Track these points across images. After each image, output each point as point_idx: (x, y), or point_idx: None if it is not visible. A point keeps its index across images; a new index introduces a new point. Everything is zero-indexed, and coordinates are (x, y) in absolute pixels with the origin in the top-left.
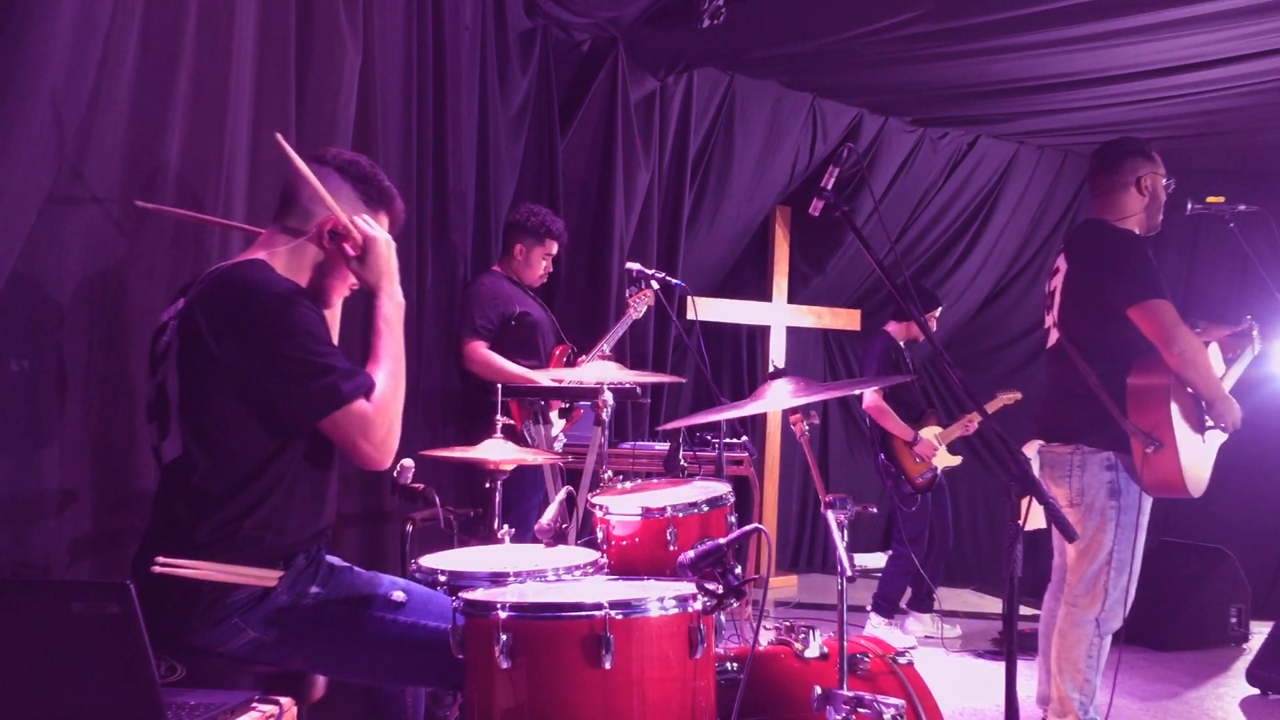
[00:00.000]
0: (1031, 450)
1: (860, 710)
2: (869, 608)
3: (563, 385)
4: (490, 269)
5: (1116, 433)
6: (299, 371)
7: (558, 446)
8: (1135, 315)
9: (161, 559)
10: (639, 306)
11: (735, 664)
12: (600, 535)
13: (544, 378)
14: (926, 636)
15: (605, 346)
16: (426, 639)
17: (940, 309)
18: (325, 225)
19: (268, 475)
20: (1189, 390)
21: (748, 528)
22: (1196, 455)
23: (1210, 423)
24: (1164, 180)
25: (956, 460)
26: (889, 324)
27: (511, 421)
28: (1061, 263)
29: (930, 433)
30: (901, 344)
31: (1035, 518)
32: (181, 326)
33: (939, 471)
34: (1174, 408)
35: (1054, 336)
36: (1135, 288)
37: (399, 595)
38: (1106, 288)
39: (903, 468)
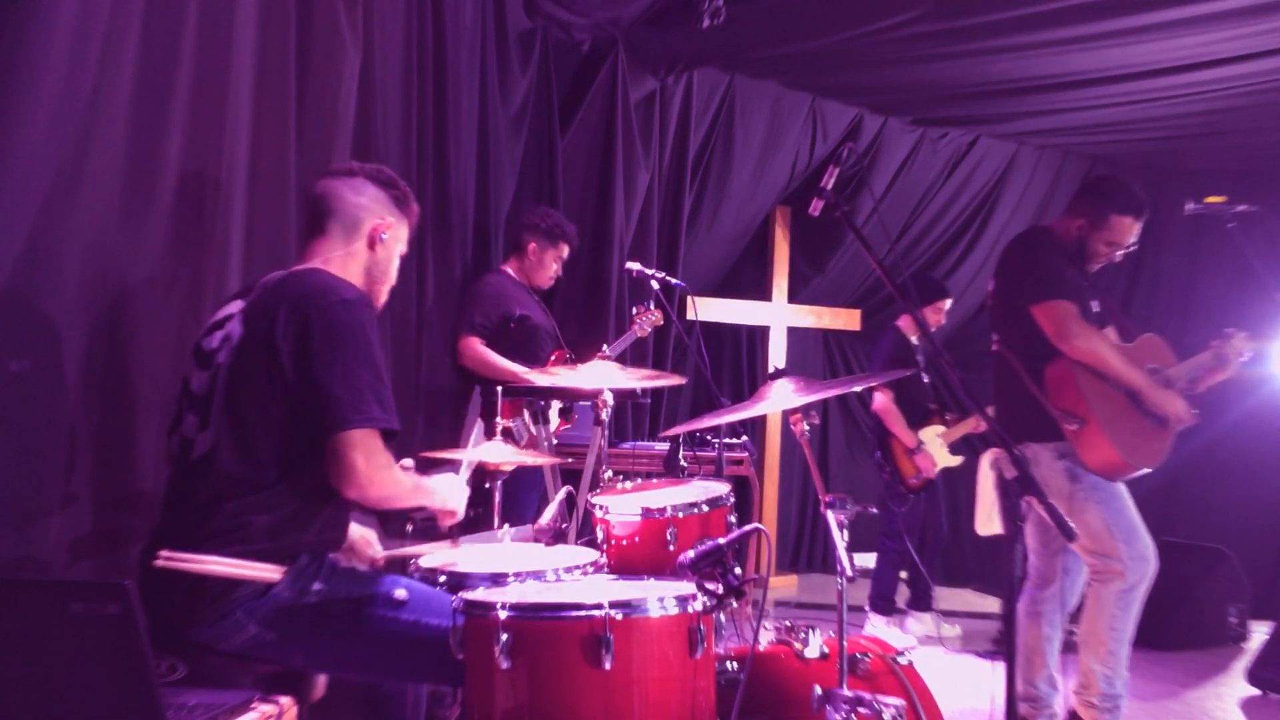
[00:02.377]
0: (988, 458)
1: (860, 710)
2: (867, 608)
3: (562, 385)
4: (497, 268)
5: (1054, 423)
6: (346, 379)
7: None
8: (1036, 314)
9: (165, 553)
10: (644, 326)
11: (735, 664)
12: (600, 535)
13: (537, 376)
14: (926, 636)
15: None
16: (428, 637)
17: (949, 300)
18: (376, 232)
19: (297, 481)
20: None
21: (748, 528)
22: (1133, 427)
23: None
24: (1117, 243)
25: (957, 461)
26: (901, 319)
27: (509, 424)
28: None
29: (932, 432)
30: (913, 339)
31: (990, 524)
32: (251, 323)
33: (934, 476)
34: (1086, 386)
35: (994, 337)
36: (1036, 287)
37: (400, 593)
38: (1017, 288)
39: (898, 468)
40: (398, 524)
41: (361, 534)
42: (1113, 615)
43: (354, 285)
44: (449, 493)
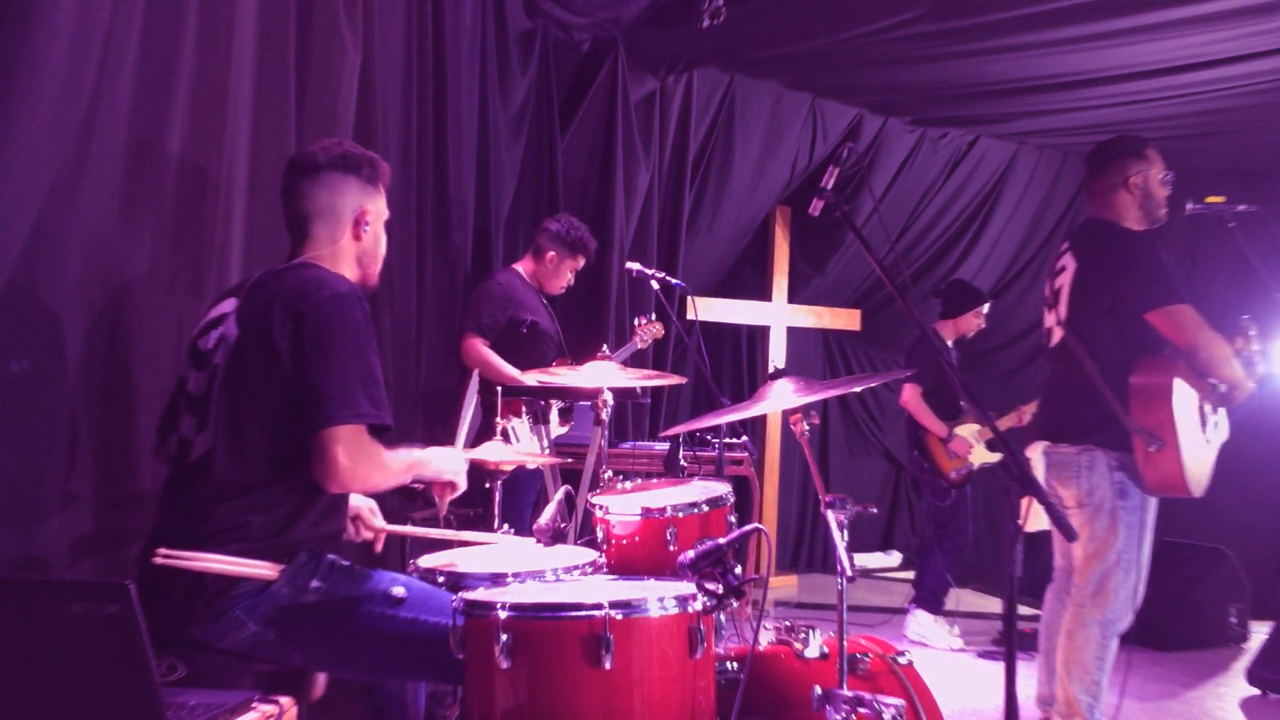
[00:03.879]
0: (1035, 452)
1: (860, 710)
2: (911, 605)
3: (562, 385)
4: (509, 267)
5: (1122, 432)
6: (336, 375)
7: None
8: (1156, 320)
9: (164, 551)
10: (645, 338)
11: (735, 664)
12: (600, 535)
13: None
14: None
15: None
16: (426, 634)
17: (988, 305)
18: (361, 222)
19: (292, 479)
20: (1193, 388)
21: (748, 528)
22: (1199, 453)
23: (1210, 414)
24: (1161, 175)
25: (996, 457)
26: (936, 323)
27: (511, 424)
28: (1069, 261)
29: (969, 430)
30: (950, 343)
31: (1036, 520)
32: (246, 321)
33: (975, 468)
34: (1176, 406)
35: (1057, 335)
36: (1154, 292)
37: (399, 591)
38: (1120, 290)
39: (936, 463)
40: (397, 525)
41: (365, 503)
42: (1100, 647)
43: (346, 279)
44: (445, 462)
